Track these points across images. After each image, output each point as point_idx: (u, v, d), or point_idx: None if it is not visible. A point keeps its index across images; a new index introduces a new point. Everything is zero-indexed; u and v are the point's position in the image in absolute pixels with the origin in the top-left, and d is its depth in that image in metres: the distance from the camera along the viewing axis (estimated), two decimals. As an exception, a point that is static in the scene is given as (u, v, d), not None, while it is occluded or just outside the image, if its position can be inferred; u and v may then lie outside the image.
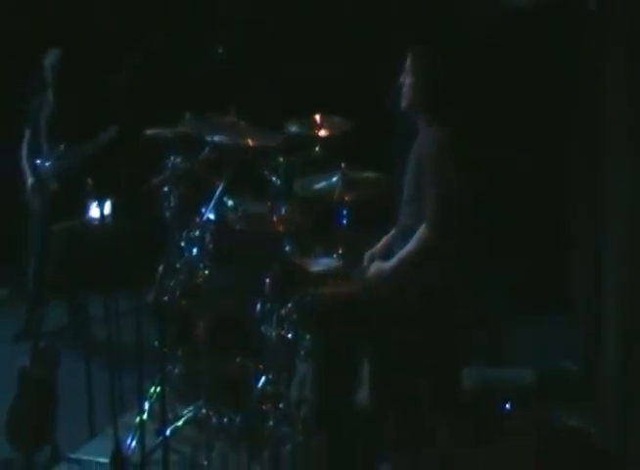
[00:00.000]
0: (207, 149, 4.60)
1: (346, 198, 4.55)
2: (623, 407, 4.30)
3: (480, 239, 4.79)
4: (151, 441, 4.23)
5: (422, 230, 4.15)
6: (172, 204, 4.58)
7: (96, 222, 4.61)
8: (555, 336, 5.69)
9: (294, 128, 4.67)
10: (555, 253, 5.93)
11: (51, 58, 5.89)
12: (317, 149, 4.67)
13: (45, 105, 5.96)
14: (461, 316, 4.35)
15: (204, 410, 4.45)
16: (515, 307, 5.78)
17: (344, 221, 4.67)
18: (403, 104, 4.31)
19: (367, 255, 4.51)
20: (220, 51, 4.72)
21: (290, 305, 4.47)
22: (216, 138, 4.50)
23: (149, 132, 4.72)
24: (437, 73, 4.29)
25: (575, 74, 5.35)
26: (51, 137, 5.91)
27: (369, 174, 4.66)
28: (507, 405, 4.65)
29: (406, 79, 4.29)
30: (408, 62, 4.31)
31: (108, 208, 4.49)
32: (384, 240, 4.54)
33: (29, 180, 5.92)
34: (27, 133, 6.04)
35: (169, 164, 4.58)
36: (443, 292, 4.22)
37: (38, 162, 5.91)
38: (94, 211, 4.81)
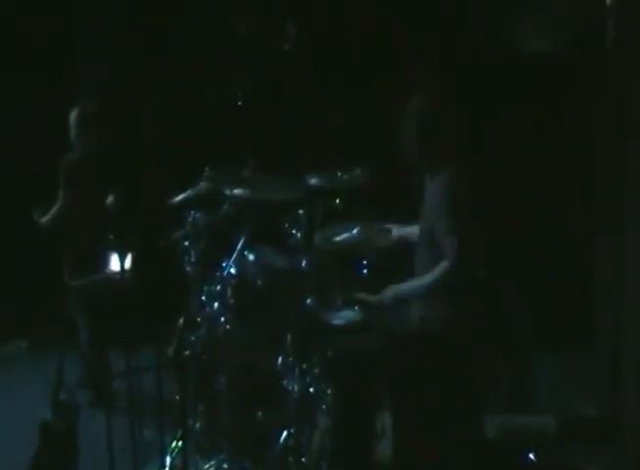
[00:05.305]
0: (227, 203, 4.61)
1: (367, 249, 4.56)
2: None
3: (497, 280, 4.77)
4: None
5: (444, 265, 4.11)
6: (193, 258, 4.59)
7: (116, 276, 4.62)
8: (574, 379, 5.65)
9: (314, 180, 4.67)
10: (574, 294, 5.91)
11: None
12: (337, 201, 4.67)
13: None
14: (482, 360, 4.33)
15: (225, 465, 4.43)
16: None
17: (365, 272, 4.67)
18: (403, 154, 4.28)
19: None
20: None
21: (311, 358, 4.47)
22: (236, 192, 4.52)
23: (176, 200, 4.72)
24: (433, 120, 4.23)
25: (592, 117, 5.35)
26: None
27: (389, 224, 4.66)
28: (531, 456, 4.62)
29: (403, 129, 4.27)
30: (406, 111, 4.29)
31: (128, 261, 4.48)
32: (404, 229, 4.55)
33: None
34: None
35: (189, 219, 4.59)
36: (463, 332, 4.20)
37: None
38: (114, 265, 4.83)
